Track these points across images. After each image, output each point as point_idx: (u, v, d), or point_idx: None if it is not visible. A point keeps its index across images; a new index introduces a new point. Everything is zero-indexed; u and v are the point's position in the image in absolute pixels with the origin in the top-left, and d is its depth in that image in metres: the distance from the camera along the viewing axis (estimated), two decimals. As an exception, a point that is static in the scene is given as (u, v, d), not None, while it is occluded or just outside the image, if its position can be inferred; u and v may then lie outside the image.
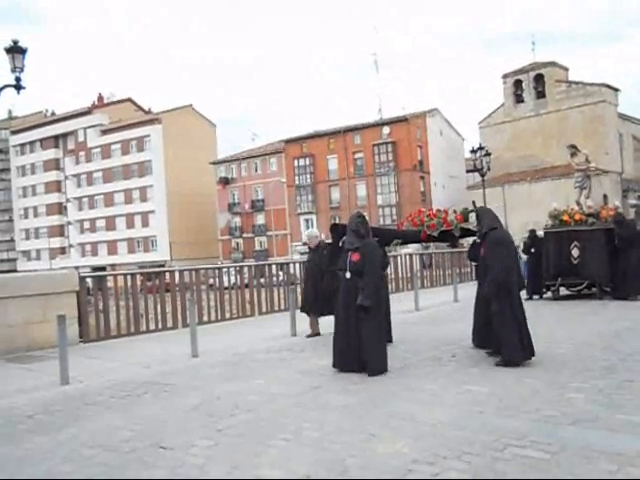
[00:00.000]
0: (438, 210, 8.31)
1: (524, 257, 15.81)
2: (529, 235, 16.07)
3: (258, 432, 4.72)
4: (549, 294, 14.51)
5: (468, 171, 55.36)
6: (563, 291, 14.57)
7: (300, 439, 4.52)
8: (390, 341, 8.34)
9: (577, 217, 14.24)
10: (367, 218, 7.49)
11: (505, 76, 55.31)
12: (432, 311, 13.16)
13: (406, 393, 5.77)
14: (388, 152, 59.11)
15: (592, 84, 51.93)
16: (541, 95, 53.51)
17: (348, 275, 6.84)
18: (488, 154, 30.33)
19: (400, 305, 13.60)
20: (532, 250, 15.35)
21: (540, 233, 15.31)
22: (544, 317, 11.38)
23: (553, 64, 53.47)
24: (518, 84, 54.68)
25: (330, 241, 7.60)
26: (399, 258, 18.50)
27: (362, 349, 6.65)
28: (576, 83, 52.89)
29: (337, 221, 54.96)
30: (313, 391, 6.04)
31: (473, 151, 30.76)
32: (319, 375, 6.77)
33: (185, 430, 4.88)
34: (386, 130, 59.24)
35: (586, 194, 15.06)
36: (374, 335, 6.67)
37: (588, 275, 13.81)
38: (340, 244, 7.22)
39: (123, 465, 4.17)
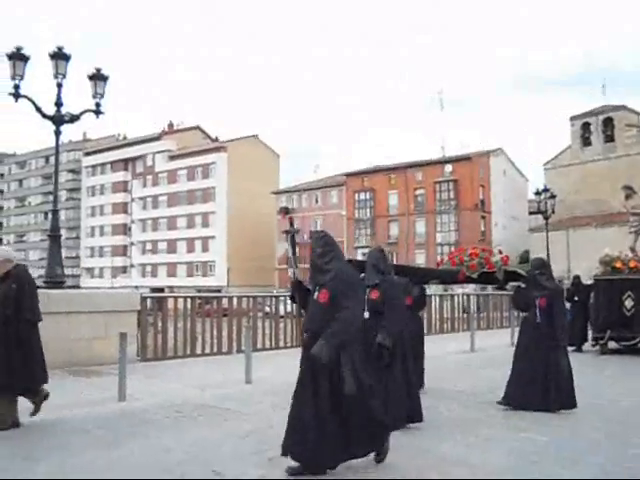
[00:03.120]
0: (482, 249, 7.71)
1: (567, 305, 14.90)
2: (573, 282, 15.25)
3: (309, 463, 4.69)
4: (595, 347, 13.34)
5: (531, 213, 54.22)
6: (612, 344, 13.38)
7: (349, 475, 4.47)
8: (422, 386, 7.42)
9: (632, 264, 13.23)
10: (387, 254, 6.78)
11: (573, 118, 54.32)
12: (488, 353, 12.89)
13: (459, 436, 5.64)
14: (449, 190, 58.69)
15: (665, 130, 50.48)
16: (610, 139, 52.21)
17: (367, 315, 6.03)
18: (553, 196, 29.69)
19: (455, 345, 13.47)
20: (575, 298, 14.43)
21: (590, 281, 14.50)
22: (603, 368, 11.00)
23: (624, 108, 52.26)
24: (586, 127, 53.58)
25: None
26: (456, 297, 18.28)
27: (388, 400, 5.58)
28: (647, 128, 51.50)
29: (394, 257, 54.76)
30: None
31: (537, 193, 30.17)
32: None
33: (237, 457, 4.91)
34: (448, 168, 58.92)
35: None
36: (398, 382, 5.90)
37: None
38: None
39: (176, 485, 4.23)
